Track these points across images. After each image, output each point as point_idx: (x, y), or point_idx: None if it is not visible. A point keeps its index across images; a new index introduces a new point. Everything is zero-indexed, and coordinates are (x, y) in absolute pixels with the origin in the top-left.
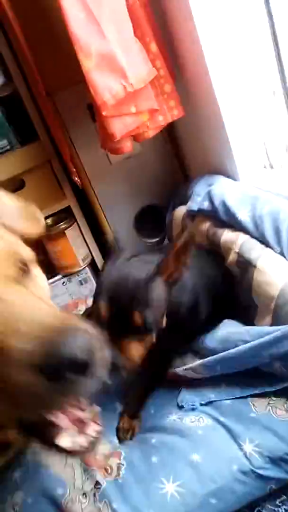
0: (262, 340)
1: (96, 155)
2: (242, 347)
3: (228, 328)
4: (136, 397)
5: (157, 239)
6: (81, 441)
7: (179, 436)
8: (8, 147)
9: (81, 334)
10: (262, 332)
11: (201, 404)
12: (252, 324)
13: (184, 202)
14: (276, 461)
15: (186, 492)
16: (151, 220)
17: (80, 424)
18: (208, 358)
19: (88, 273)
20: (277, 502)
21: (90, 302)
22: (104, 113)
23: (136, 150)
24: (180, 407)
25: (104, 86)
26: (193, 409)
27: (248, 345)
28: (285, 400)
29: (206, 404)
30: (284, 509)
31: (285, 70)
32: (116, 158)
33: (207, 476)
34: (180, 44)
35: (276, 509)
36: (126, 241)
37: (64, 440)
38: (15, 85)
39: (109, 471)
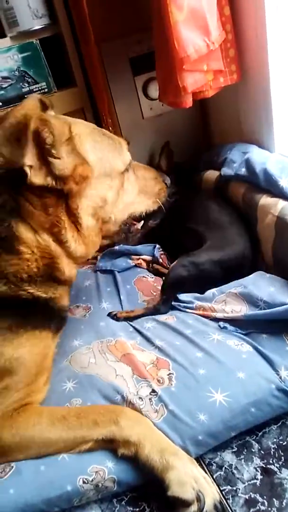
0: None
1: (131, 109)
2: None
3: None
4: None
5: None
6: None
7: (225, 354)
8: (46, 89)
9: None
10: None
11: (242, 334)
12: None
13: (211, 166)
14: None
15: (232, 401)
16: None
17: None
18: (256, 312)
19: None
20: None
21: None
22: (184, 67)
23: (168, 108)
24: (223, 328)
25: (189, 40)
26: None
27: None
28: None
29: (246, 334)
30: None
31: None
32: (149, 113)
33: (250, 390)
34: (245, 11)
35: None
36: None
37: None
38: (59, 28)
39: (161, 381)
